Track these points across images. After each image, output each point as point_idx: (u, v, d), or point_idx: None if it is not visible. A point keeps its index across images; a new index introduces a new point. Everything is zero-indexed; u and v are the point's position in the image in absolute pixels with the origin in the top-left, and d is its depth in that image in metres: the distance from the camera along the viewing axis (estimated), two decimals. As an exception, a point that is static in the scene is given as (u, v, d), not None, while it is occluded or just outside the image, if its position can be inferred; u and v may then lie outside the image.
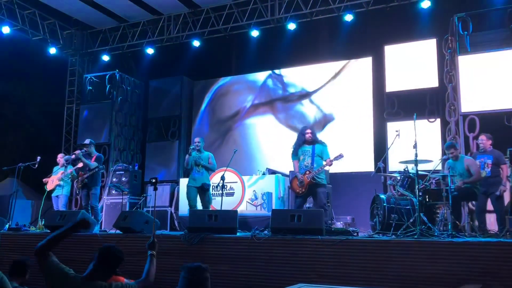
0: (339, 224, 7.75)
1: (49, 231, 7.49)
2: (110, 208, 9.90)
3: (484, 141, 6.91)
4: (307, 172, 6.78)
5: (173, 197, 9.90)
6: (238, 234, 6.40)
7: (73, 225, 3.33)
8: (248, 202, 8.93)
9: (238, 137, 11.44)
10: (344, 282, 4.96)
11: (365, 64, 10.34)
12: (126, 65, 12.56)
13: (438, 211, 6.61)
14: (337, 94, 10.52)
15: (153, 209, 7.00)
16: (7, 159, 11.13)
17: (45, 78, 12.69)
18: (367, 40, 10.10)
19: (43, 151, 9.33)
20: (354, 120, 10.12)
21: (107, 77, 11.84)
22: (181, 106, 11.89)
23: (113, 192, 10.09)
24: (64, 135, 12.44)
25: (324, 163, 6.82)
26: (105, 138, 11.61)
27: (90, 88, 12.00)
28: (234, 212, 6.88)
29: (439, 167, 7.21)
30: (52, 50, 11.86)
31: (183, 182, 9.16)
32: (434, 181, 6.83)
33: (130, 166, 10.75)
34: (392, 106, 9.31)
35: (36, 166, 8.55)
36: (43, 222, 8.16)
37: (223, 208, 7.54)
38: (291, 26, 10.12)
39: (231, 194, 9.06)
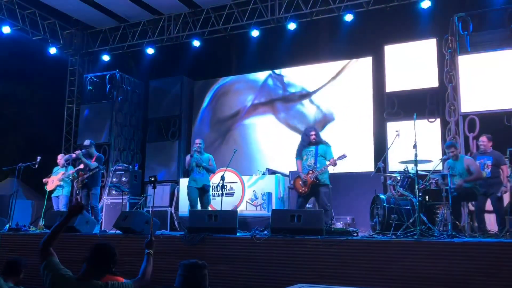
0: (339, 224, 7.74)
1: (49, 231, 7.48)
2: (110, 208, 9.90)
3: (485, 142, 6.90)
4: (310, 172, 6.81)
5: (173, 197, 9.89)
6: (238, 234, 6.41)
7: (67, 215, 3.36)
8: (248, 202, 8.94)
9: (238, 137, 11.44)
10: (344, 282, 4.96)
11: (365, 64, 10.34)
12: (126, 65, 12.55)
13: (438, 211, 6.61)
14: (337, 94, 10.52)
15: (153, 209, 7.00)
16: (7, 159, 11.14)
17: (45, 78, 12.69)
18: (367, 40, 10.09)
19: (43, 151, 9.33)
20: (354, 120, 10.12)
21: (107, 77, 11.84)
22: (181, 106, 11.88)
23: (113, 192, 10.09)
24: (64, 135, 12.45)
25: (327, 163, 6.84)
26: (105, 138, 11.61)
27: (90, 88, 11.99)
28: (234, 212, 6.89)
29: (439, 167, 7.21)
30: (52, 50, 11.86)
31: (183, 182, 9.16)
32: (434, 181, 6.82)
33: (130, 166, 10.75)
34: (392, 106, 9.31)
35: (36, 166, 8.54)
36: (43, 222, 8.17)
37: (223, 208, 7.55)
38: (291, 26, 10.12)
39: (231, 194, 9.07)
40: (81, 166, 8.17)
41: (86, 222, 7.31)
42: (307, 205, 7.46)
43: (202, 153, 7.94)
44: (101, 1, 10.85)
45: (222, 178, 7.63)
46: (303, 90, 10.93)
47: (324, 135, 7.82)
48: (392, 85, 9.37)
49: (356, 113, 10.14)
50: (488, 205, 6.84)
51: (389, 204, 6.51)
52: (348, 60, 10.52)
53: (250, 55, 11.02)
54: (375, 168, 7.92)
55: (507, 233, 5.76)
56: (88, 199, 8.25)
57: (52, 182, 8.67)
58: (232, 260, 5.82)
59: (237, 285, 5.68)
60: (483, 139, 6.96)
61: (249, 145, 11.24)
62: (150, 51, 11.57)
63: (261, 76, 11.52)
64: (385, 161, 8.16)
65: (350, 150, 6.96)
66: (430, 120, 8.97)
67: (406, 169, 6.81)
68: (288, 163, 9.36)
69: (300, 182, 6.89)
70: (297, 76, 11.09)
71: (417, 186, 5.96)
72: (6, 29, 10.73)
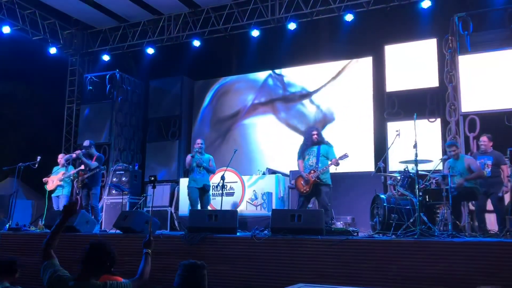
0: (339, 224, 7.75)
1: (49, 231, 7.48)
2: (110, 208, 9.91)
3: (486, 142, 6.91)
4: (312, 172, 6.82)
5: (173, 197, 9.89)
6: (238, 234, 6.41)
7: (63, 216, 3.36)
8: (248, 202, 8.94)
9: (238, 137, 11.44)
10: (344, 282, 4.96)
11: (365, 64, 10.34)
12: (127, 65, 12.54)
13: (438, 211, 6.61)
14: (337, 94, 10.52)
15: (153, 209, 7.01)
16: (7, 159, 11.13)
17: (46, 78, 12.68)
18: (367, 40, 10.08)
19: (43, 151, 9.32)
20: (355, 120, 10.11)
21: (107, 77, 11.84)
22: (181, 106, 11.88)
23: (113, 192, 10.09)
24: (64, 135, 12.44)
25: (329, 162, 6.84)
26: (105, 138, 11.62)
27: (91, 88, 12.00)
28: (234, 212, 6.89)
29: (439, 167, 7.21)
30: (53, 50, 11.86)
31: (183, 182, 9.16)
32: (434, 181, 6.82)
33: (130, 166, 10.76)
34: (392, 106, 9.30)
35: (36, 166, 8.54)
36: (43, 222, 8.17)
37: (223, 208, 7.55)
38: (292, 26, 10.11)
39: (231, 194, 9.07)
40: (82, 167, 8.19)
41: (86, 222, 7.31)
42: (308, 205, 7.45)
43: (203, 154, 7.95)
44: (101, 1, 10.85)
45: (222, 178, 7.63)
46: (303, 90, 10.93)
47: (324, 135, 7.81)
48: (392, 85, 9.37)
49: (356, 113, 10.14)
50: (489, 205, 6.84)
51: (389, 204, 6.51)
52: (348, 60, 10.52)
53: (250, 55, 11.02)
54: (375, 168, 7.93)
55: (508, 233, 5.76)
56: (88, 199, 8.26)
57: (52, 182, 8.68)
58: (232, 260, 5.82)
59: (237, 285, 5.68)
60: (484, 139, 6.97)
61: (249, 145, 11.23)
62: (150, 51, 11.56)
63: (261, 76, 11.52)
64: (385, 161, 8.16)
65: (351, 150, 6.96)
66: (431, 120, 8.97)
67: (406, 169, 6.81)
68: (288, 163, 9.37)
69: (302, 182, 6.90)
70: (297, 76, 11.09)
71: (417, 186, 5.96)
72: (6, 29, 10.73)
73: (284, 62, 11.09)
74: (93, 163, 8.23)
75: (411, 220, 6.01)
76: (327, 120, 10.51)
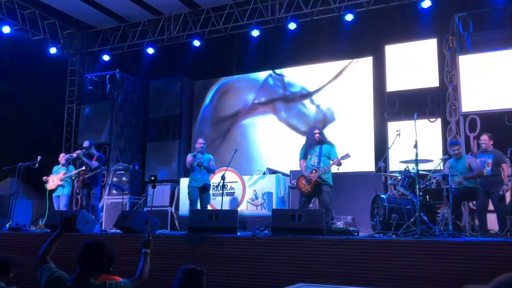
0: (339, 224, 7.73)
1: (49, 230, 7.49)
2: (111, 207, 9.91)
3: (487, 141, 6.93)
4: (314, 171, 6.82)
5: (174, 197, 9.89)
6: (238, 233, 6.40)
7: (59, 230, 3.39)
8: (249, 202, 8.94)
9: (238, 136, 11.44)
10: (344, 282, 4.95)
11: (365, 64, 10.34)
12: (127, 65, 12.55)
13: (439, 210, 6.60)
14: (337, 94, 10.52)
15: (153, 208, 7.00)
16: (7, 159, 11.11)
17: (46, 78, 12.66)
18: (367, 40, 10.08)
19: (44, 151, 9.32)
20: (355, 120, 10.12)
21: (107, 77, 11.84)
22: (182, 106, 11.88)
23: (114, 191, 10.09)
24: (65, 135, 12.45)
25: (331, 162, 6.84)
26: (106, 138, 11.62)
27: (91, 87, 12.01)
28: (235, 211, 6.88)
29: (440, 167, 7.20)
30: (53, 50, 11.86)
31: (184, 182, 9.16)
32: (435, 180, 6.82)
33: (131, 166, 10.75)
34: (392, 106, 9.30)
35: (37, 165, 8.55)
36: (43, 222, 8.17)
37: (223, 208, 7.54)
38: (292, 26, 10.11)
39: (232, 194, 9.07)
40: (83, 168, 8.21)
41: (87, 221, 7.31)
42: (309, 205, 7.45)
43: (204, 153, 7.97)
44: (101, 1, 10.85)
45: (223, 177, 7.64)
46: (303, 90, 10.93)
47: (325, 135, 7.82)
48: (392, 85, 9.37)
49: (356, 113, 10.14)
50: (489, 204, 6.83)
51: (389, 204, 6.50)
52: (349, 60, 10.52)
53: (250, 55, 11.01)
54: (375, 168, 7.92)
55: (508, 233, 5.75)
56: (88, 199, 8.27)
57: (52, 181, 8.68)
58: (232, 260, 5.81)
59: (238, 285, 5.67)
60: (484, 137, 6.98)
61: (249, 144, 11.23)
62: (150, 51, 11.56)
63: (261, 76, 11.52)
64: (385, 161, 8.16)
65: (351, 150, 6.96)
66: (431, 120, 8.97)
67: (406, 169, 6.80)
68: (288, 163, 9.37)
69: (304, 181, 6.90)
70: (297, 76, 11.09)
71: (417, 186, 5.95)
72: (6, 29, 10.73)
73: (284, 62, 11.09)
74: (94, 163, 8.24)
75: (412, 220, 6.01)
76: (327, 120, 10.50)
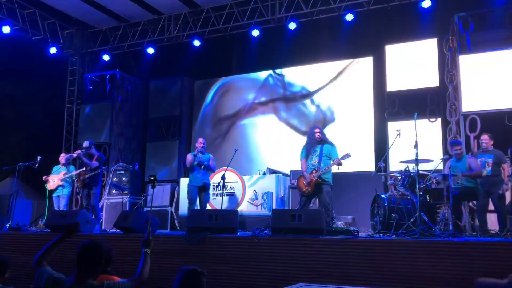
0: (339, 224, 7.73)
1: (49, 230, 7.49)
2: (111, 207, 9.90)
3: (487, 140, 6.92)
4: (314, 171, 6.82)
5: (174, 197, 9.89)
6: (238, 233, 6.40)
7: (61, 235, 3.37)
8: (249, 202, 8.94)
9: (238, 136, 11.43)
10: (344, 282, 4.95)
11: (365, 63, 10.33)
12: (127, 64, 12.54)
13: (439, 210, 6.60)
14: (337, 93, 10.51)
15: (153, 208, 7.00)
16: (7, 159, 11.11)
17: (46, 77, 12.67)
18: (367, 39, 10.08)
19: (44, 150, 9.33)
20: (355, 120, 10.11)
21: (107, 76, 11.83)
22: (182, 106, 11.87)
23: (114, 191, 10.09)
24: (65, 134, 12.44)
25: (331, 162, 6.84)
26: (106, 138, 11.61)
27: (91, 87, 12.00)
28: (235, 211, 6.88)
29: (440, 167, 7.20)
30: (53, 50, 11.85)
31: (184, 181, 9.16)
32: (435, 180, 6.82)
33: (131, 166, 10.75)
34: (393, 105, 9.29)
35: (37, 165, 8.55)
36: (43, 222, 8.17)
37: (223, 208, 7.54)
38: (292, 25, 10.10)
39: (232, 194, 9.07)
40: (84, 169, 8.22)
41: (87, 221, 7.31)
42: (310, 205, 7.45)
43: (204, 153, 7.99)
44: (101, 1, 10.84)
45: (223, 177, 7.64)
46: (303, 90, 10.92)
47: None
48: (393, 84, 9.36)
49: (357, 112, 10.14)
50: (489, 205, 6.83)
51: (390, 204, 6.50)
52: (349, 60, 10.51)
53: (250, 55, 11.01)
54: (376, 168, 7.91)
55: (508, 233, 5.76)
56: (88, 199, 8.28)
57: (53, 181, 8.67)
58: (232, 260, 5.81)
59: (238, 285, 5.68)
60: (485, 137, 6.98)
61: (249, 144, 11.23)
62: (150, 50, 11.55)
63: (261, 75, 11.51)
64: (386, 161, 8.15)
65: (351, 150, 6.97)
66: (431, 119, 8.96)
67: (407, 169, 6.80)
68: (288, 163, 9.37)
69: (304, 182, 6.90)
70: (297, 76, 11.08)
71: (418, 186, 5.95)
72: (6, 29, 10.72)
73: (284, 62, 11.08)
74: (94, 163, 8.24)
75: (412, 220, 6.01)
76: (327, 120, 10.50)
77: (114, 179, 10.31)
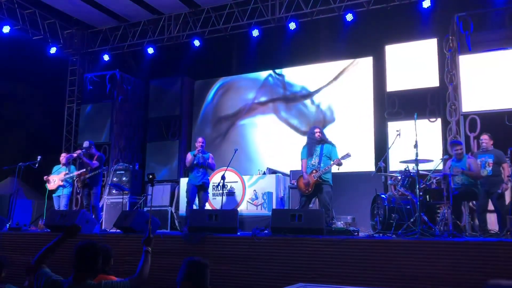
0: (339, 224, 7.74)
1: (49, 230, 7.50)
2: (111, 207, 9.91)
3: (487, 140, 6.93)
4: (314, 171, 6.82)
5: (174, 197, 9.89)
6: (238, 233, 6.40)
7: (62, 236, 3.36)
8: (249, 202, 8.94)
9: (238, 136, 11.44)
10: (344, 282, 4.96)
11: (365, 63, 10.33)
12: (127, 64, 12.55)
13: (439, 210, 6.60)
14: (337, 93, 10.51)
15: (153, 208, 7.00)
16: (7, 159, 11.11)
17: (46, 77, 12.67)
18: (367, 39, 10.08)
19: (44, 150, 9.32)
20: (355, 120, 10.11)
21: (107, 76, 11.84)
22: (182, 106, 11.88)
23: (114, 191, 10.09)
24: (65, 134, 12.44)
25: (331, 162, 6.84)
26: (106, 138, 11.62)
27: (91, 87, 12.01)
28: (235, 211, 6.88)
29: (440, 167, 7.21)
30: (53, 50, 11.85)
31: (184, 181, 9.16)
32: (435, 180, 6.82)
33: (131, 166, 10.76)
34: (392, 105, 9.30)
35: (37, 165, 8.55)
36: (43, 222, 8.17)
37: (223, 208, 7.54)
38: (292, 25, 10.10)
39: (232, 194, 9.07)
40: (84, 169, 8.23)
41: (87, 221, 7.31)
42: (310, 205, 7.45)
43: (204, 152, 8.00)
44: (102, 1, 10.84)
45: (223, 177, 7.64)
46: (303, 90, 10.93)
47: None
48: (393, 84, 9.37)
49: (357, 112, 10.14)
50: (489, 204, 6.83)
51: (389, 204, 6.51)
52: (349, 60, 10.51)
53: (250, 55, 11.01)
54: (375, 168, 7.92)
55: (508, 233, 5.76)
56: (89, 199, 8.28)
57: (53, 181, 8.67)
58: (232, 260, 5.82)
59: (238, 285, 5.68)
60: (485, 137, 6.98)
61: (249, 144, 11.23)
62: (150, 50, 11.56)
63: (261, 75, 11.51)
64: (386, 161, 8.16)
65: (351, 150, 6.96)
66: (431, 119, 8.97)
67: (406, 169, 6.81)
68: (288, 163, 9.37)
69: (304, 182, 6.90)
70: (297, 76, 11.08)
71: (417, 186, 5.95)
72: (6, 29, 10.72)
73: (284, 62, 11.08)
74: (94, 163, 8.25)
75: (412, 220, 6.02)
76: (327, 120, 10.50)
77: (114, 179, 10.32)
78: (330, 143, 7.09)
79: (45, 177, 8.78)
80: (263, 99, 11.39)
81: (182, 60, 11.68)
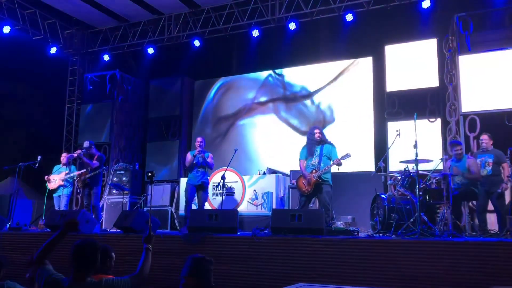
0: (339, 224, 7.75)
1: (49, 230, 7.50)
2: (111, 207, 9.91)
3: (487, 140, 6.93)
4: (314, 171, 6.82)
5: (174, 197, 9.90)
6: (238, 233, 6.41)
7: (61, 231, 3.36)
8: (249, 202, 8.94)
9: (238, 136, 11.44)
10: (344, 282, 4.96)
11: (365, 64, 10.34)
12: (127, 64, 12.56)
13: (439, 210, 6.61)
14: (337, 94, 10.52)
15: (153, 208, 7.00)
16: (7, 159, 11.12)
17: (46, 77, 12.68)
18: (367, 40, 10.09)
19: (44, 150, 9.33)
20: (355, 120, 10.12)
21: (107, 76, 11.85)
22: (182, 106, 11.89)
23: (114, 191, 10.10)
24: (65, 134, 12.45)
25: (331, 162, 6.85)
26: (106, 138, 11.63)
27: (91, 87, 12.02)
28: (235, 211, 6.89)
29: (440, 167, 7.21)
30: (53, 50, 11.85)
31: (184, 181, 9.16)
32: (434, 180, 6.83)
33: (131, 166, 10.76)
34: (392, 106, 9.31)
35: (37, 165, 8.56)
36: (43, 222, 8.18)
37: (223, 208, 7.55)
38: (292, 26, 10.10)
39: (232, 194, 9.07)
40: (85, 170, 8.24)
41: (87, 221, 7.32)
42: (309, 205, 7.46)
43: (204, 152, 8.01)
44: (102, 1, 10.84)
45: (223, 177, 7.65)
46: (303, 90, 10.93)
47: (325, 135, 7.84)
48: (392, 85, 9.37)
49: (356, 112, 10.15)
50: (489, 204, 6.84)
51: (389, 204, 6.51)
52: (349, 60, 10.52)
53: (250, 55, 11.01)
54: (375, 168, 7.93)
55: (508, 233, 5.76)
56: (89, 198, 8.29)
57: (54, 181, 8.68)
58: (232, 260, 5.82)
59: (238, 284, 5.68)
60: (484, 137, 6.98)
61: (249, 144, 11.24)
62: (150, 50, 11.56)
63: (261, 75, 11.52)
64: (385, 161, 8.16)
65: (351, 150, 6.96)
66: (431, 120, 8.97)
67: (406, 169, 6.81)
68: (288, 163, 9.37)
69: (304, 182, 6.90)
70: (297, 76, 11.09)
71: (417, 186, 5.96)
72: (7, 29, 10.72)
73: (284, 62, 11.09)
74: (94, 163, 8.26)
75: (412, 220, 6.02)
76: (327, 120, 10.51)
77: (115, 179, 10.32)
78: (329, 143, 7.10)
79: (46, 176, 8.78)
80: (263, 99, 11.39)
81: (182, 60, 11.68)
